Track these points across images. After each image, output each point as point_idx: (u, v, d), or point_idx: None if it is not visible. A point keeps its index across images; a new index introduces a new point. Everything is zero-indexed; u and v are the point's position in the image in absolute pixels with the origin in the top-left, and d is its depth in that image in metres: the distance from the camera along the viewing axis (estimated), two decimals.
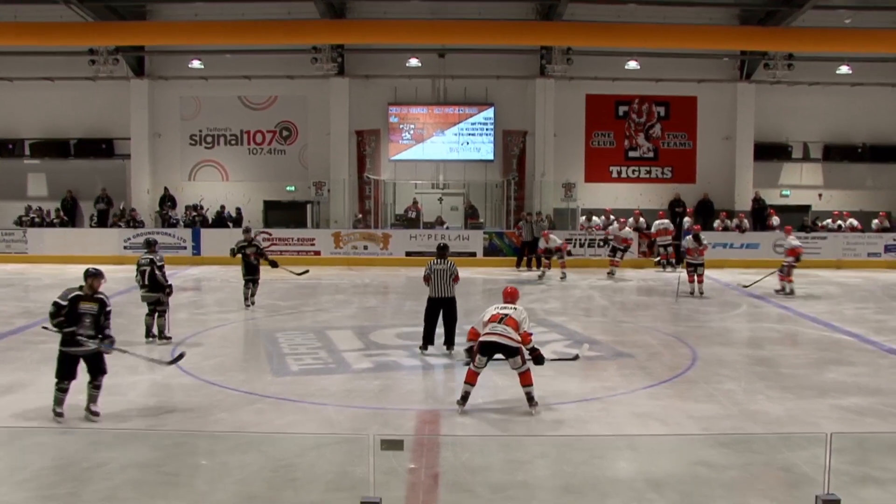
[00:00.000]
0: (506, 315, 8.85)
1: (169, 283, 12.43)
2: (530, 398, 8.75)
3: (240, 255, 15.43)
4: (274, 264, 15.87)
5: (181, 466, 7.15)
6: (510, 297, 9.44)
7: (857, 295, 18.36)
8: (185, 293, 18.10)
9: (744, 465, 7.33)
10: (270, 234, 23.50)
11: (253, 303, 15.54)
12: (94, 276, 8.79)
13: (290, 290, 18.32)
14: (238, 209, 25.25)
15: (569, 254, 21.11)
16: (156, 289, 12.28)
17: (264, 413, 8.86)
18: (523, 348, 8.74)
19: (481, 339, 8.78)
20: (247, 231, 16.47)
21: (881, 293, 18.76)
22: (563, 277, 20.09)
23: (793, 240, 18.50)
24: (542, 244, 20.82)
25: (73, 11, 22.21)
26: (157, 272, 12.24)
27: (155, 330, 12.37)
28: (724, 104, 26.32)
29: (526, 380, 8.75)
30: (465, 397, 8.72)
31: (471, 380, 8.75)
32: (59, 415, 8.40)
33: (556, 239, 20.60)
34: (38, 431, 8.00)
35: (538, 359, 8.88)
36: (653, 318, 15.33)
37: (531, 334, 8.86)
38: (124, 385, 9.85)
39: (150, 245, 12.78)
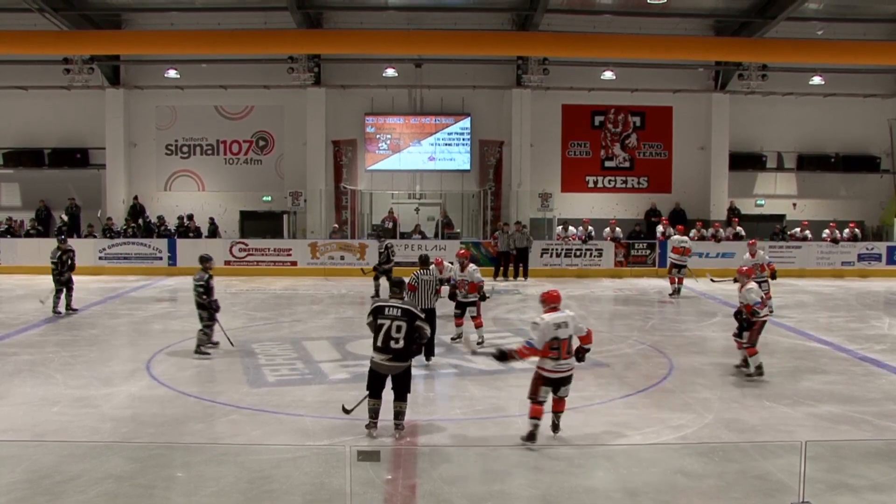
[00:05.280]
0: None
1: (207, 300, 12.24)
2: None
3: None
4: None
5: (156, 479, 7.09)
6: None
7: (830, 304, 18.51)
8: (161, 304, 18.02)
9: (720, 473, 7.36)
10: (247, 245, 23.40)
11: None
12: None
13: (266, 301, 18.27)
14: (211, 219, 25.10)
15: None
16: (199, 306, 12.26)
17: (240, 424, 8.81)
18: None
19: None
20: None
21: (855, 302, 18.92)
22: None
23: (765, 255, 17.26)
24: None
25: (47, 20, 22.04)
26: (196, 291, 12.19)
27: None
28: (700, 114, 26.54)
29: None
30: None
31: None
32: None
33: (449, 267, 14.27)
34: (11, 444, 7.90)
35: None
36: (629, 327, 15.39)
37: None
38: (98, 397, 9.78)
39: (204, 261, 12.63)
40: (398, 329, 8.22)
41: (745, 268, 12.15)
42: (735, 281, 15.04)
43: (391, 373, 8.34)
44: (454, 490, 6.87)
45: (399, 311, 8.32)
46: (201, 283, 12.14)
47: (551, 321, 8.12)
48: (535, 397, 8.13)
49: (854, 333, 14.71)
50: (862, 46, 23.05)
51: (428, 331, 8.50)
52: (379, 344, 8.30)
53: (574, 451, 8.01)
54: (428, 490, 6.91)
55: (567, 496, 6.88)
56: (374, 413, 8.40)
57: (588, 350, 8.44)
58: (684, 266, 19.89)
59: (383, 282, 17.70)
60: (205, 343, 12.26)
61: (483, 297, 13.12)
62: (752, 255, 16.52)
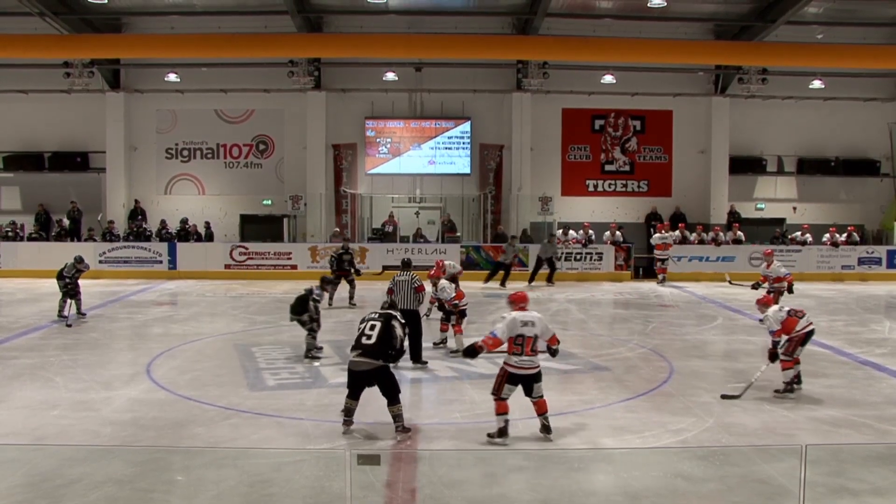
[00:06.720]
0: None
1: (308, 312, 12.47)
2: None
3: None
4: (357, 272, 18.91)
5: (156, 482, 7.08)
6: None
7: (831, 307, 18.49)
8: (161, 308, 18.00)
9: (721, 477, 7.34)
10: (247, 248, 23.41)
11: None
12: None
13: (266, 305, 18.24)
14: (207, 223, 25.13)
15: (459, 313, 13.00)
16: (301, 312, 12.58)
17: (240, 428, 8.79)
18: None
19: None
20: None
21: (855, 305, 18.91)
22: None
23: (780, 267, 16.42)
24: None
25: (47, 24, 22.06)
26: (310, 303, 12.47)
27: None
28: (700, 118, 26.55)
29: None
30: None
31: None
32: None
33: (446, 286, 13.15)
34: (10, 448, 7.89)
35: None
36: (629, 331, 15.37)
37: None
38: (98, 400, 9.77)
39: (325, 282, 13.65)
40: (371, 327, 8.51)
41: (762, 296, 11.14)
42: (754, 287, 15.15)
43: (362, 369, 8.44)
44: (454, 494, 6.86)
45: (377, 314, 8.72)
46: (319, 299, 12.75)
47: (519, 318, 8.52)
48: (497, 393, 8.42)
49: (854, 337, 14.70)
50: (862, 50, 23.10)
51: (399, 331, 8.62)
52: (353, 342, 8.59)
53: (574, 454, 8.00)
54: (428, 494, 6.91)
55: (567, 500, 6.87)
56: (347, 412, 8.57)
57: (556, 349, 8.88)
58: (667, 259, 22.64)
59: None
60: (313, 347, 12.45)
61: (459, 313, 12.94)
62: (768, 265, 16.16)
